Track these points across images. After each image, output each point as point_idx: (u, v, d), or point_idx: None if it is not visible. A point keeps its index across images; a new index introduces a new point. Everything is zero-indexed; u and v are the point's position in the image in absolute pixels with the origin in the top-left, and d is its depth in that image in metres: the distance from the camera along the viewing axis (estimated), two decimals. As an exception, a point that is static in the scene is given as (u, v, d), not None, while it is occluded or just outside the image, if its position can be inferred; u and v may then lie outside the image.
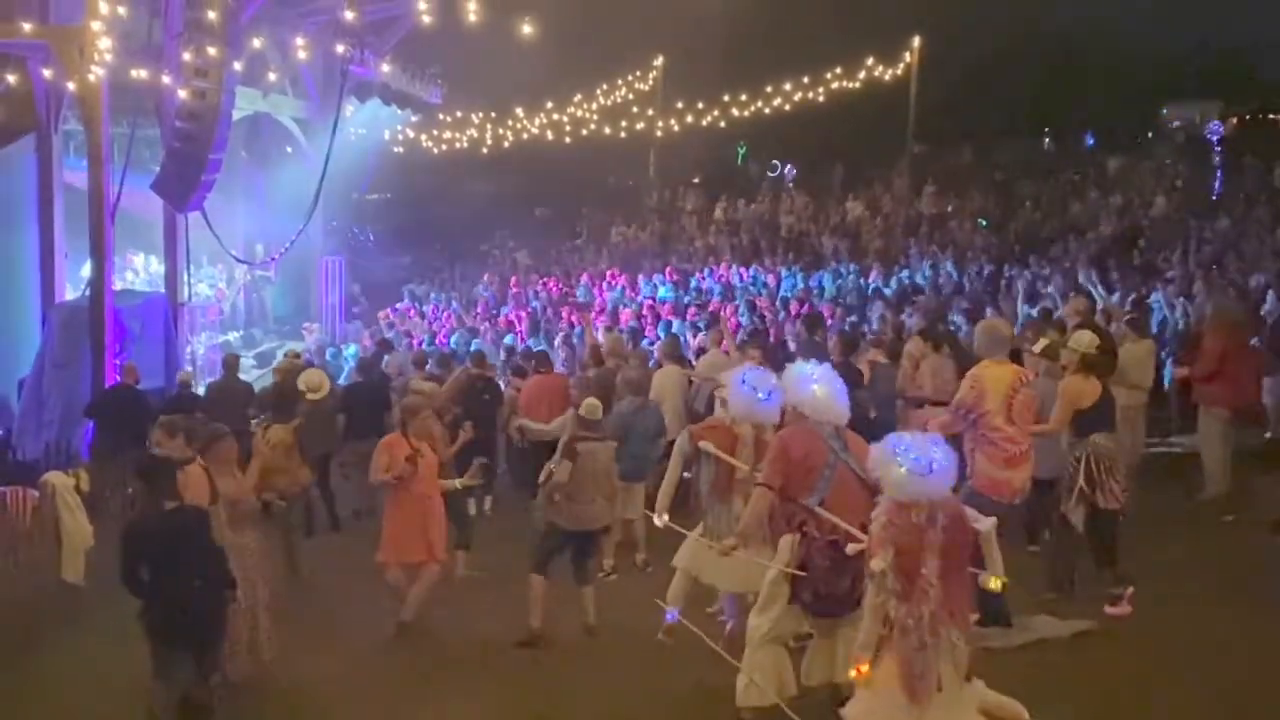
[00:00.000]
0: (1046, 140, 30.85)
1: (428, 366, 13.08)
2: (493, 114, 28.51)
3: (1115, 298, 15.05)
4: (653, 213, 29.43)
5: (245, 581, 7.12)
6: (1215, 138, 29.72)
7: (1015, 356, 8.81)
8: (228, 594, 6.55)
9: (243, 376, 17.94)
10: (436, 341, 18.17)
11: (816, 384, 6.50)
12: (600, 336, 14.88)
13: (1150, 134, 30.94)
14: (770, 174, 32.29)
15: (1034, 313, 14.23)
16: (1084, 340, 8.55)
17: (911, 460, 5.37)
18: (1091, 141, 30.73)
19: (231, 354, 14.42)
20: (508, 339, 17.09)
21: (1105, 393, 8.34)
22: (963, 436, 7.58)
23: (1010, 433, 7.51)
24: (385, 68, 20.89)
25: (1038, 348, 9.45)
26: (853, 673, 5.53)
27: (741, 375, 7.13)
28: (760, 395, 6.91)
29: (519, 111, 28.62)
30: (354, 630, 8.58)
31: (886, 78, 28.55)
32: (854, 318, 16.63)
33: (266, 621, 7.44)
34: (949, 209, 25.46)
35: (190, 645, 6.36)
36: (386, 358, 15.20)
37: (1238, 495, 10.35)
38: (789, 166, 32.57)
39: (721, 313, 17.82)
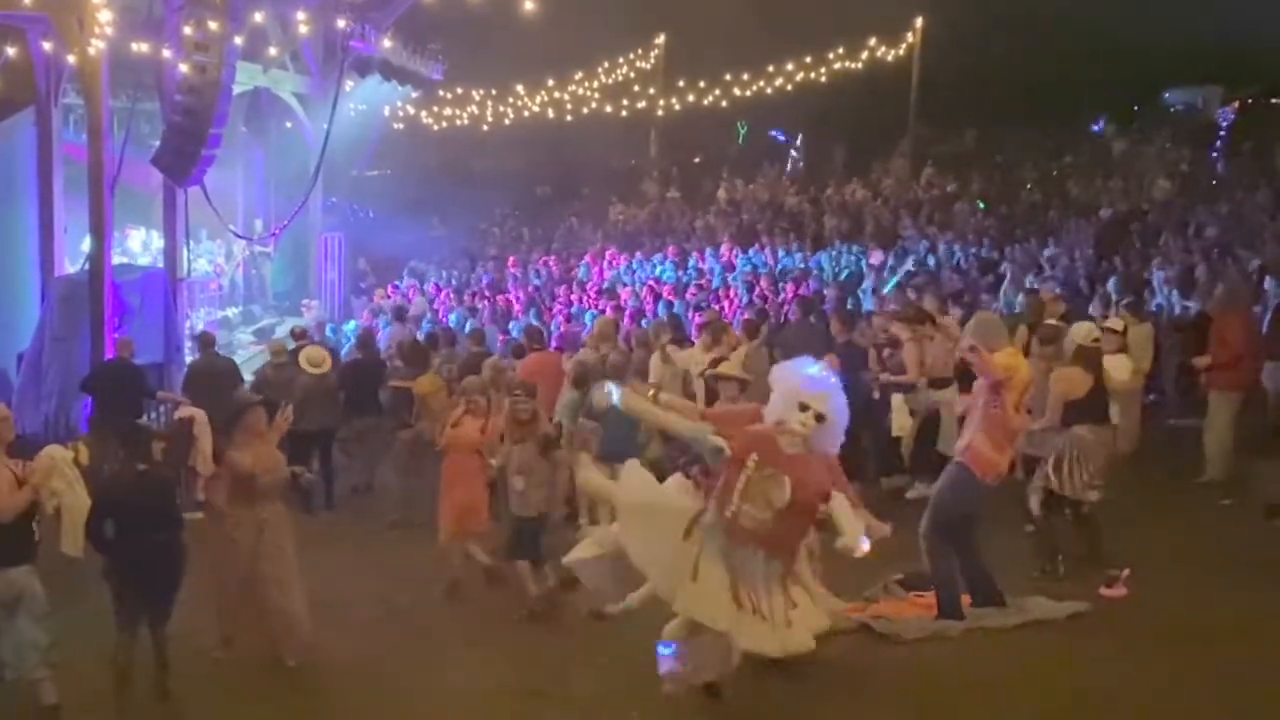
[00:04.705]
0: (1049, 123, 30.74)
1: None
2: (494, 91, 28.44)
3: (1112, 283, 15.05)
4: (655, 190, 29.38)
5: (274, 555, 7.26)
6: (1224, 123, 29.60)
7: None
8: (183, 551, 6.96)
9: (241, 352, 18.15)
10: (438, 319, 18.16)
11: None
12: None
13: (1152, 118, 30.85)
14: (789, 146, 32.16)
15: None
16: (1082, 331, 8.61)
17: None
18: (1100, 127, 30.60)
19: (207, 332, 14.27)
20: (512, 326, 16.96)
21: (1097, 384, 8.40)
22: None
23: (1015, 421, 7.52)
24: (386, 43, 20.77)
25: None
26: None
27: None
28: None
29: (520, 89, 28.56)
30: (354, 605, 8.61)
31: (889, 59, 28.55)
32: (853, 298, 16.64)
33: (301, 595, 7.46)
34: (949, 190, 25.41)
35: (151, 597, 6.81)
36: (393, 328, 15.19)
37: (1236, 479, 10.38)
38: (795, 143, 32.47)
39: (723, 296, 17.86)
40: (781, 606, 5.92)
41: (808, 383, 6.13)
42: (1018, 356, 7.65)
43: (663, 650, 6.12)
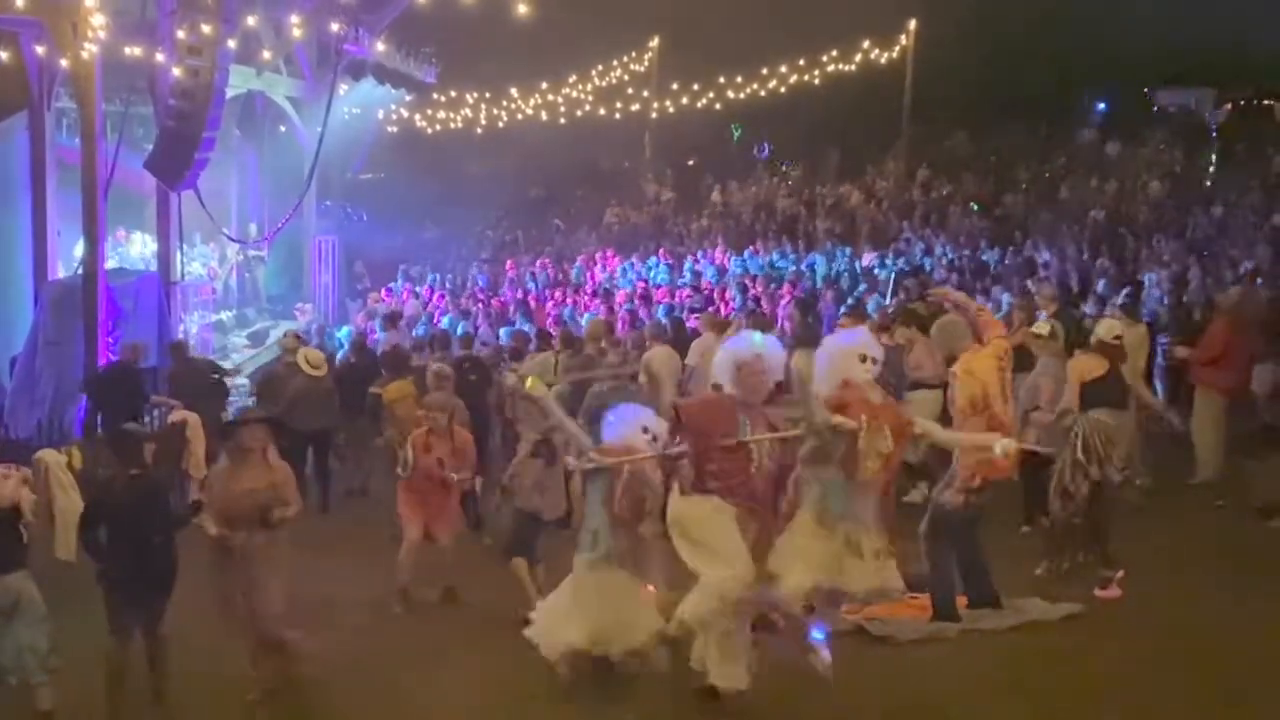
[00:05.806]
0: (1042, 125, 30.81)
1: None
2: (487, 94, 28.47)
3: (1103, 285, 15.09)
4: (652, 191, 29.39)
5: (255, 584, 6.97)
6: (1214, 125, 29.66)
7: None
8: (177, 555, 6.90)
9: (235, 356, 18.12)
10: (432, 323, 18.18)
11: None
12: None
13: (1146, 120, 30.92)
14: (758, 155, 32.23)
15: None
16: (1104, 327, 8.58)
17: None
18: (1096, 127, 30.64)
19: (176, 341, 14.24)
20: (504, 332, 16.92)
21: (1113, 369, 8.33)
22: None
23: (1007, 413, 7.50)
24: (379, 46, 20.81)
25: (1044, 331, 9.50)
26: None
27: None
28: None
29: (513, 91, 28.57)
30: (349, 607, 8.60)
31: (882, 61, 28.61)
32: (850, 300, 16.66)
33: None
34: (944, 193, 25.46)
35: (145, 601, 6.79)
36: (385, 335, 15.17)
37: (1229, 480, 10.39)
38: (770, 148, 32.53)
39: (718, 298, 17.86)
40: (882, 544, 6.20)
41: (852, 338, 6.63)
42: (975, 359, 7.57)
43: (817, 635, 6.33)
